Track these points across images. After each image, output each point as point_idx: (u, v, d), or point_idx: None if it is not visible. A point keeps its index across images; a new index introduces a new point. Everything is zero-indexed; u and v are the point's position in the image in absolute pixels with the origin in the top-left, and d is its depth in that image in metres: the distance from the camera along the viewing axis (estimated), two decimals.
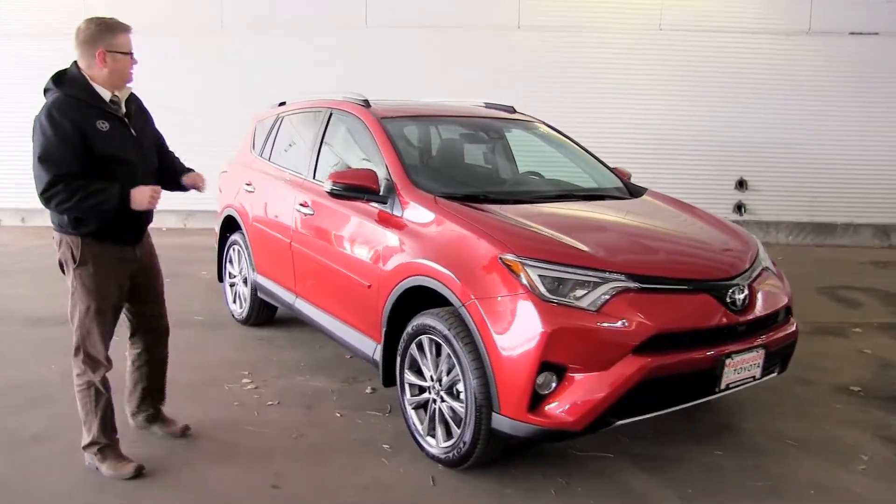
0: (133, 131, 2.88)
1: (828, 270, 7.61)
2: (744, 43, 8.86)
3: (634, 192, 3.99)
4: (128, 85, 2.89)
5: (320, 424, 3.52)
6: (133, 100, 2.97)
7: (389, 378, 3.39)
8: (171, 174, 3.20)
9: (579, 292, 2.69)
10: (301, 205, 4.08)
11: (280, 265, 4.38)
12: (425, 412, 3.19)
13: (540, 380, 2.63)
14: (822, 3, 8.76)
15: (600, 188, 3.96)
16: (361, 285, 3.51)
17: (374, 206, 3.48)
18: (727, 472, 3.12)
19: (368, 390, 3.97)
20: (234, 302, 5.16)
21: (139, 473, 2.92)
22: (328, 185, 3.46)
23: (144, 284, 3.10)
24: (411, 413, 3.25)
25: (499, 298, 2.72)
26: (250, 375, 4.12)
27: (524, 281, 2.69)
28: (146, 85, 9.40)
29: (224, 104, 8.94)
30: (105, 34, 2.71)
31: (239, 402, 3.76)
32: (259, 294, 4.77)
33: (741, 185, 9.18)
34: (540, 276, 2.69)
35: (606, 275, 2.72)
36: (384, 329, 3.33)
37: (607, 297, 2.68)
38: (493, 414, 2.75)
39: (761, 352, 2.96)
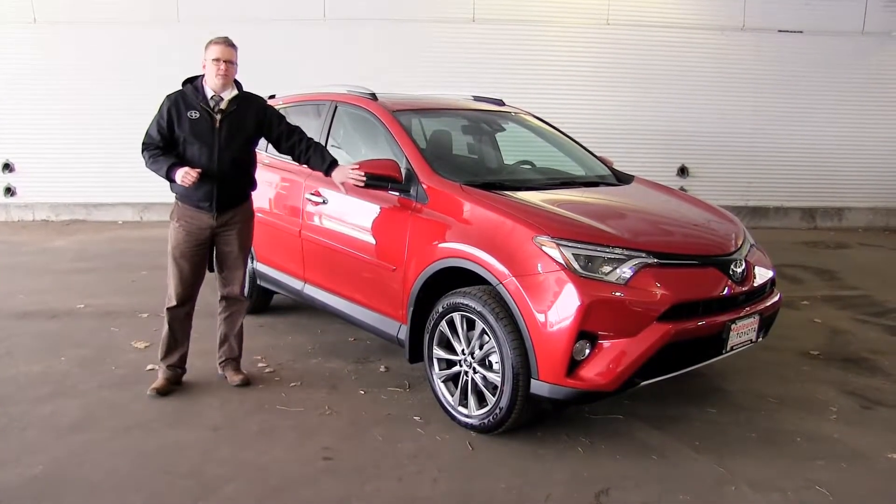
0: (217, 123, 3.53)
1: (767, 251, 8.25)
2: (684, 37, 9.44)
3: (622, 178, 4.34)
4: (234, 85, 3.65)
5: (347, 402, 3.72)
6: (239, 100, 3.61)
7: (415, 355, 3.63)
8: (309, 165, 3.85)
9: (607, 268, 3.01)
10: (312, 194, 4.24)
11: (286, 253, 4.52)
12: (454, 384, 3.45)
13: (577, 347, 2.94)
14: (754, 1, 9.42)
15: (593, 175, 4.29)
16: (386, 269, 3.72)
17: (395, 194, 3.70)
18: (725, 427, 3.52)
19: (382, 369, 4.19)
20: None
21: (155, 393, 3.67)
22: None
23: (221, 252, 3.77)
24: (440, 386, 3.50)
25: (536, 276, 3.01)
26: (264, 360, 4.27)
27: (560, 259, 2.98)
28: (99, 73, 9.10)
29: None
30: (205, 49, 3.56)
31: (263, 384, 3.92)
32: (259, 282, 4.89)
33: (683, 171, 9.78)
34: (574, 254, 3.00)
35: (631, 252, 3.05)
36: (412, 309, 3.56)
37: (632, 272, 3.01)
38: (532, 380, 3.04)
39: (757, 318, 3.37)
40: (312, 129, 4.51)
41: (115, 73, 9.01)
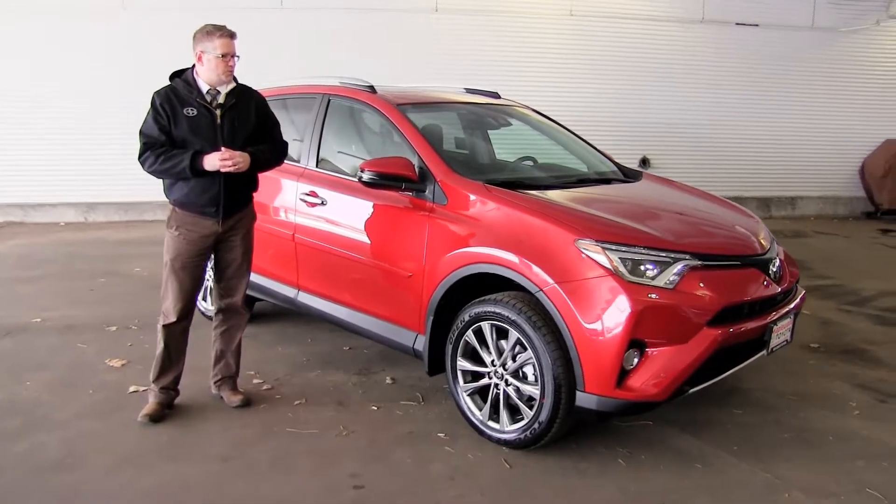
0: (219, 119, 3.20)
1: None
2: (646, 29, 9.43)
3: (629, 174, 4.20)
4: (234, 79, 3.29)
5: (361, 420, 3.45)
6: (237, 93, 3.28)
7: (434, 367, 3.40)
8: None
9: (654, 272, 2.85)
10: (308, 195, 3.94)
11: (277, 259, 4.19)
12: (481, 398, 3.24)
13: (625, 356, 2.76)
14: None
15: (603, 172, 4.13)
16: (399, 276, 3.46)
17: (408, 195, 3.44)
18: (756, 428, 3.43)
19: (388, 381, 3.92)
20: (205, 300, 4.87)
21: (147, 420, 3.32)
22: (363, 175, 3.39)
23: (223, 260, 3.43)
24: (466, 400, 3.28)
25: (581, 282, 2.82)
26: (259, 375, 3.94)
27: (606, 264, 2.80)
28: (37, 65, 8.46)
29: (126, 88, 8.29)
30: (203, 39, 3.16)
31: (265, 403, 3.60)
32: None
33: (644, 163, 9.79)
34: (621, 258, 2.82)
35: (676, 255, 2.89)
36: (431, 318, 3.32)
37: (679, 275, 2.86)
38: (577, 392, 2.85)
39: (792, 317, 3.28)
40: (301, 126, 4.22)
41: (55, 65, 8.33)
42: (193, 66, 3.22)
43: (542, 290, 2.89)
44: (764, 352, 3.13)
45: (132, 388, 3.70)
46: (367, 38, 8.80)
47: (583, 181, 3.85)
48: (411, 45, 8.92)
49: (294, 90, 4.44)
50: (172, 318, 3.33)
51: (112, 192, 8.51)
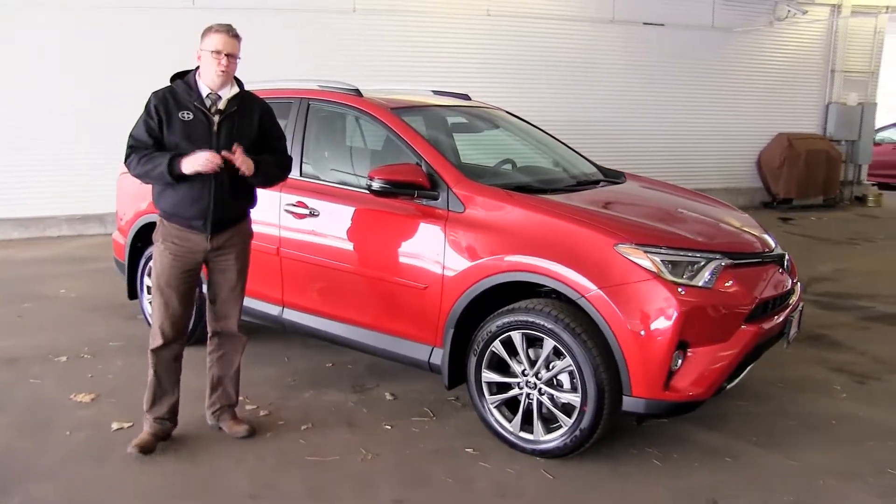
0: (215, 126, 2.93)
1: None
2: (560, 29, 9.62)
3: (610, 174, 4.23)
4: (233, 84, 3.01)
5: (379, 440, 3.28)
6: (239, 100, 3.01)
7: (455, 380, 3.28)
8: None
9: (691, 273, 2.87)
10: (294, 205, 3.69)
11: (258, 275, 3.85)
12: (509, 409, 3.16)
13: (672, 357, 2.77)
14: None
15: (589, 174, 4.13)
16: (413, 288, 3.31)
17: (417, 203, 3.30)
18: (763, 418, 3.56)
19: (389, 397, 3.76)
20: None
21: (137, 451, 3.02)
22: (372, 183, 3.22)
23: (215, 281, 3.16)
24: (493, 412, 3.18)
25: (626, 286, 2.80)
26: (250, 401, 3.64)
27: (650, 267, 2.79)
28: None
29: (15, 94, 7.54)
30: (203, 37, 2.93)
31: (269, 431, 3.34)
32: None
33: None
34: (663, 260, 2.82)
35: (709, 255, 2.93)
36: (452, 331, 3.20)
37: (714, 275, 2.89)
38: (624, 397, 2.83)
39: (800, 310, 3.42)
40: None
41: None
42: (197, 67, 2.96)
43: (583, 296, 2.84)
44: (784, 343, 3.24)
45: (115, 426, 3.33)
46: (283, 38, 8.44)
47: (581, 184, 3.83)
48: (329, 45, 8.64)
49: (266, 93, 4.13)
50: (158, 342, 3.05)
51: (9, 207, 7.69)
